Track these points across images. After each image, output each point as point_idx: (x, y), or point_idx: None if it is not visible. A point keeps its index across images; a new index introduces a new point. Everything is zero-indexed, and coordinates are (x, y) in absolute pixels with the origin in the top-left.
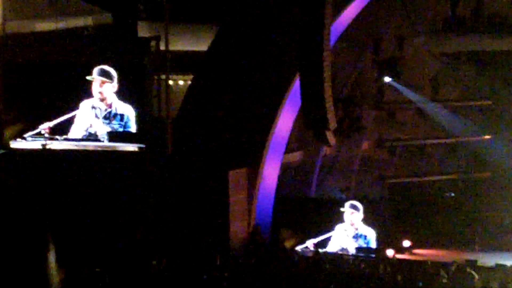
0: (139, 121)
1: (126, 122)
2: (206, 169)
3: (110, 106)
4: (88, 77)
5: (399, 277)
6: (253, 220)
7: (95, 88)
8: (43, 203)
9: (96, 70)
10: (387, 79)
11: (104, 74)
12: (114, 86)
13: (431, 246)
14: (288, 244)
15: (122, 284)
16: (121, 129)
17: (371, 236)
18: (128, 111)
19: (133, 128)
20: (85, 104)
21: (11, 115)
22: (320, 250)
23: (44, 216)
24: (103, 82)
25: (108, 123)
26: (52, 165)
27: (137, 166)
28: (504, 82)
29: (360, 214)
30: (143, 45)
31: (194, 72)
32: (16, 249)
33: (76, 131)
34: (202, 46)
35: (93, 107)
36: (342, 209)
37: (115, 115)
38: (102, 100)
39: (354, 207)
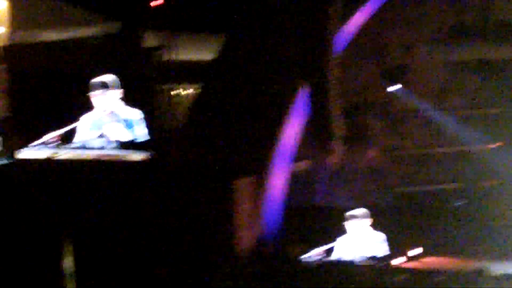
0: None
1: (135, 126)
2: (213, 178)
3: (115, 113)
4: (89, 93)
5: (407, 286)
6: (260, 230)
7: (100, 101)
8: (52, 213)
9: (95, 85)
10: (393, 87)
11: (105, 85)
12: (119, 92)
13: (439, 255)
14: (295, 253)
15: None
16: (130, 133)
17: (380, 239)
18: (135, 115)
19: (143, 131)
20: (87, 117)
21: (18, 124)
22: (327, 259)
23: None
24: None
25: (117, 130)
26: (59, 174)
27: (144, 175)
28: None
29: (364, 221)
30: (148, 55)
31: (200, 81)
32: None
33: (81, 141)
34: (208, 55)
35: (97, 118)
36: (345, 223)
37: (123, 120)
38: (108, 111)
39: (355, 216)
